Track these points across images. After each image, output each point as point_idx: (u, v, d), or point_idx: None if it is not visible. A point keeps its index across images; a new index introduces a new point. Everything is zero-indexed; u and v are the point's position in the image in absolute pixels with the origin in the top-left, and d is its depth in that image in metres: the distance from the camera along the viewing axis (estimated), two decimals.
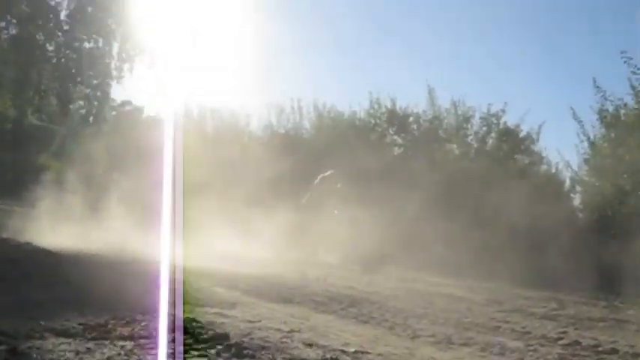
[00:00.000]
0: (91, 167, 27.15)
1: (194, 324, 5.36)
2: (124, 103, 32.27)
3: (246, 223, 18.69)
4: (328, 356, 4.68)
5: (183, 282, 8.69)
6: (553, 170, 21.95)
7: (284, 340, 5.35)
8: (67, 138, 28.01)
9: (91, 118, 21.10)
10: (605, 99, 17.98)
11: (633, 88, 17.02)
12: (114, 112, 29.87)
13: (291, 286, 9.89)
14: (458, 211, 19.20)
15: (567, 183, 21.44)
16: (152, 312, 6.03)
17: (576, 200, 21.62)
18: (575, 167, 20.28)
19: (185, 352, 4.49)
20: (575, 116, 18.79)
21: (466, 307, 9.22)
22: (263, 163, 21.80)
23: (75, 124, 24.24)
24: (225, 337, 4.90)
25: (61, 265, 9.88)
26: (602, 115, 18.40)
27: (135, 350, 4.40)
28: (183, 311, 6.16)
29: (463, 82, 37.06)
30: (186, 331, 5.12)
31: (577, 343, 6.44)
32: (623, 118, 17.76)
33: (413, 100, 24.02)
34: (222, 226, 17.68)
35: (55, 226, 16.38)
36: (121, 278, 8.77)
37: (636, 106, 17.31)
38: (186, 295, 7.63)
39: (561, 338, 6.64)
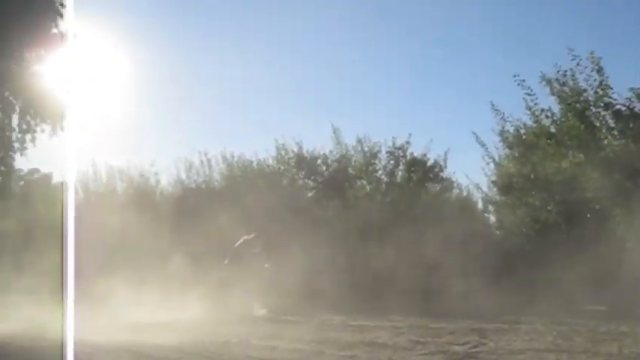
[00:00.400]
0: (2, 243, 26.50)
1: None
2: (31, 172, 31.59)
3: (166, 285, 18.38)
4: None
5: None
6: (464, 194, 22.23)
7: None
8: None
9: None
10: (505, 120, 18.46)
11: (529, 108, 17.48)
12: (21, 182, 29.23)
13: (214, 357, 9.71)
14: (376, 247, 19.30)
15: (480, 204, 21.73)
16: None
17: (491, 219, 21.90)
18: (485, 189, 20.66)
19: None
20: (478, 140, 19.20)
21: (389, 353, 9.19)
22: (176, 220, 21.54)
23: None
24: None
25: None
26: (503, 136, 18.86)
27: None
28: None
29: (366, 119, 37.35)
30: None
31: None
32: (523, 137, 18.15)
33: (319, 142, 24.16)
34: (139, 292, 17.33)
35: None
36: None
37: (534, 125, 17.73)
38: None
39: None
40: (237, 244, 18.85)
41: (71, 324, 10.44)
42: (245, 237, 18.92)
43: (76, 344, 11.02)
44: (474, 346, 9.31)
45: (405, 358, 8.74)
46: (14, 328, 14.02)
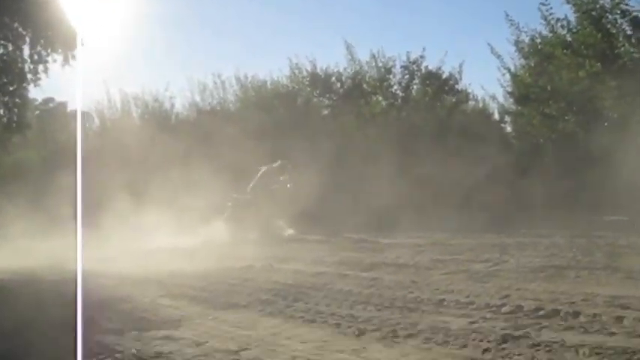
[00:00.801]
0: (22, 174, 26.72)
1: None
2: (46, 101, 31.66)
3: (188, 209, 18.51)
4: None
5: (129, 299, 8.67)
6: (480, 105, 22.12)
7: None
8: None
9: (14, 125, 20.48)
10: (520, 30, 18.25)
11: (545, 17, 17.25)
12: (37, 112, 29.31)
13: (237, 283, 9.85)
14: (393, 163, 19.26)
15: (496, 115, 21.66)
16: (97, 352, 5.97)
17: (508, 129, 21.84)
18: (501, 99, 20.57)
19: None
20: (493, 51, 19.04)
21: (411, 275, 9.29)
22: (192, 143, 21.54)
23: None
24: None
25: None
26: (519, 46, 18.68)
27: None
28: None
29: (380, 34, 37.02)
30: None
31: (519, 308, 6.51)
32: (539, 47, 17.97)
33: (333, 60, 24.11)
34: (162, 217, 17.47)
35: None
36: (57, 301, 8.66)
37: (550, 35, 17.53)
38: (132, 315, 7.60)
39: (504, 305, 6.71)
40: (261, 172, 18.89)
41: (80, 254, 10.56)
42: (268, 165, 18.92)
43: (98, 276, 11.22)
44: (495, 264, 9.39)
45: (427, 278, 8.81)
46: (33, 261, 14.20)
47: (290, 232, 17.75)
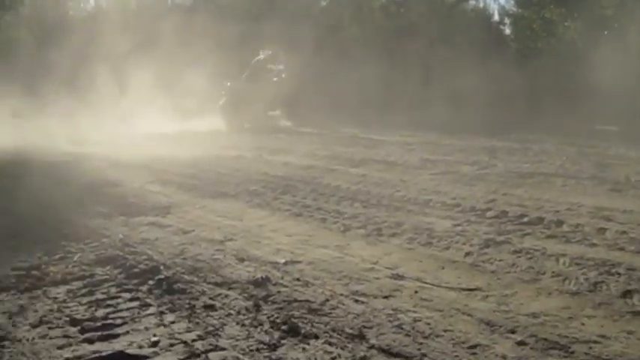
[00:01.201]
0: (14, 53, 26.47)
1: (127, 255, 5.37)
2: None
3: (182, 97, 18.44)
4: (259, 275, 4.73)
5: (119, 183, 8.72)
6: (481, 5, 21.86)
7: (216, 255, 5.40)
8: None
9: (6, 2, 20.26)
10: None
11: None
12: None
13: (226, 173, 9.90)
14: (390, 60, 19.17)
15: (496, 16, 21.43)
16: (84, 236, 6.03)
17: (507, 32, 21.64)
18: (502, 1, 20.34)
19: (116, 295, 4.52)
20: None
21: (400, 173, 9.35)
22: (188, 31, 21.28)
23: None
24: (156, 270, 4.92)
25: None
26: None
27: (67, 301, 4.40)
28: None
29: None
30: (118, 264, 5.14)
31: (504, 213, 6.58)
32: None
33: None
34: (157, 102, 17.41)
35: None
36: (46, 183, 8.72)
37: None
38: (121, 200, 7.66)
39: (489, 209, 6.77)
40: (254, 60, 18.74)
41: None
42: (262, 54, 18.76)
43: (89, 159, 11.26)
44: (483, 167, 9.41)
45: (415, 177, 8.85)
46: (24, 141, 14.22)
47: (284, 122, 17.73)
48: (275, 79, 17.68)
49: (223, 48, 19.66)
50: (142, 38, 22.78)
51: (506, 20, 21.20)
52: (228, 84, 18.28)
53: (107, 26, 23.67)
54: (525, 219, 6.39)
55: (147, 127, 15.60)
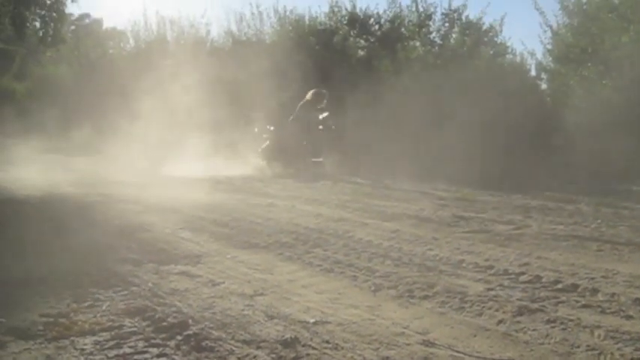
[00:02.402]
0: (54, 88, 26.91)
1: (156, 306, 5.35)
2: (82, 17, 31.73)
3: (221, 137, 18.52)
4: (288, 335, 4.69)
5: (150, 228, 8.74)
6: (518, 59, 21.87)
7: (245, 311, 5.38)
8: (27, 60, 27.63)
9: (49, 39, 20.64)
10: None
11: None
12: (73, 27, 29.40)
13: (259, 221, 9.90)
14: (427, 110, 19.17)
15: (533, 71, 21.40)
16: (114, 283, 6.03)
17: (543, 87, 21.58)
18: (539, 57, 20.33)
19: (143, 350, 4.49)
20: (536, 6, 18.74)
21: (432, 231, 9.27)
22: (227, 71, 21.48)
23: (33, 46, 23.78)
24: (184, 325, 4.90)
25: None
26: (563, 4, 18.35)
27: (94, 353, 4.39)
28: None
29: None
30: (147, 315, 5.12)
31: (538, 278, 6.49)
32: (584, 7, 17.67)
33: (373, 1, 23.96)
34: (195, 144, 17.52)
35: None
36: (78, 225, 8.77)
37: None
38: (151, 246, 7.66)
39: (523, 273, 6.68)
40: (300, 103, 18.80)
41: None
42: (308, 95, 18.81)
43: (124, 201, 11.32)
44: (517, 228, 9.31)
45: (448, 235, 8.77)
46: (59, 179, 14.34)
47: (327, 170, 17.72)
48: (320, 127, 17.60)
49: (261, 90, 19.75)
50: (181, 79, 23.03)
51: (543, 75, 21.06)
52: (272, 128, 18.32)
53: (145, 65, 23.97)
54: (559, 285, 6.29)
55: (181, 169, 15.65)
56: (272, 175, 16.80)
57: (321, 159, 18.37)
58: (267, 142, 18.73)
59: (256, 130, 19.35)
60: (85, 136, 21.49)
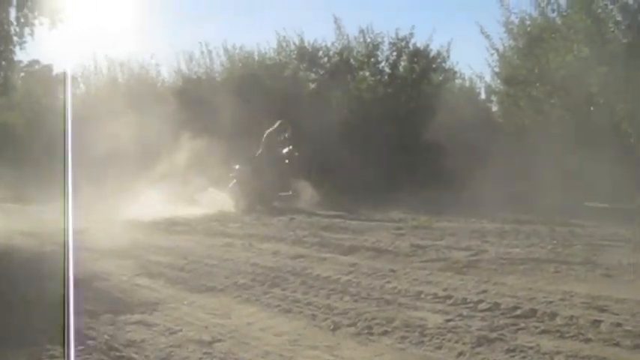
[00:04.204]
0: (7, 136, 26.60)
1: None
2: (31, 63, 31.48)
3: (180, 179, 18.34)
4: None
5: (107, 276, 8.60)
6: (467, 84, 22.09)
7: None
8: None
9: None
10: (510, 12, 18.23)
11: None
12: (22, 74, 29.14)
13: (215, 264, 9.80)
14: (379, 139, 19.28)
15: (483, 94, 21.61)
16: (66, 336, 5.90)
17: (493, 108, 21.78)
18: (488, 80, 20.55)
19: None
20: (482, 31, 18.98)
21: (390, 262, 9.27)
22: (179, 111, 21.35)
23: None
24: None
25: None
26: (508, 27, 18.60)
27: None
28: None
29: (368, 10, 36.89)
30: None
31: (497, 305, 6.49)
32: (528, 29, 17.95)
33: (321, 34, 24.16)
34: (152, 187, 17.32)
35: None
36: (32, 278, 8.62)
37: (540, 17, 17.53)
38: (108, 295, 7.54)
39: (481, 301, 6.68)
40: (266, 133, 18.73)
41: (70, 227, 10.51)
42: (270, 128, 18.77)
43: (79, 249, 11.11)
44: (475, 254, 9.33)
45: (405, 266, 8.77)
46: (14, 228, 14.12)
47: (294, 203, 17.66)
48: (287, 160, 17.59)
49: (218, 130, 19.65)
50: (135, 120, 22.87)
51: (493, 98, 21.28)
52: (237, 167, 18.24)
53: (97, 110, 23.79)
54: (518, 311, 6.29)
55: (138, 212, 15.46)
56: (242, 212, 16.66)
57: (289, 192, 18.32)
58: (234, 180, 18.63)
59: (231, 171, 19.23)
60: (40, 183, 21.19)
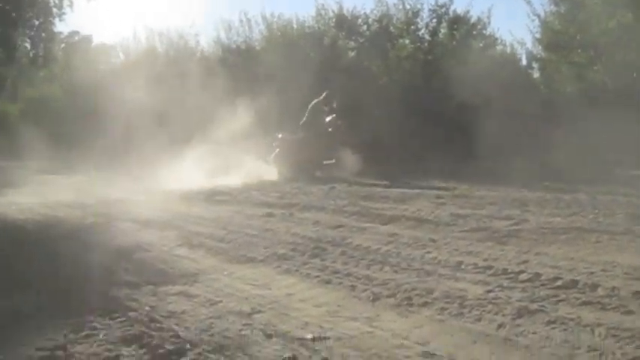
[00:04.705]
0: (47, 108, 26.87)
1: (153, 332, 5.29)
2: (71, 34, 31.69)
3: (223, 149, 18.36)
4: (286, 355, 4.64)
5: (149, 247, 8.68)
6: (508, 50, 21.81)
7: (243, 331, 5.33)
8: (19, 81, 27.56)
9: (40, 60, 20.61)
10: None
11: None
12: (63, 45, 29.34)
13: (255, 233, 9.83)
14: (419, 107, 19.16)
15: (524, 61, 21.34)
16: (112, 310, 5.96)
17: (535, 75, 21.51)
18: (529, 46, 20.29)
19: None
20: None
21: (430, 232, 9.23)
22: (219, 80, 21.35)
23: (25, 68, 23.73)
24: (182, 351, 4.85)
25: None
26: None
27: None
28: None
29: None
30: (144, 343, 5.06)
31: (537, 276, 6.44)
32: None
33: (360, 1, 23.91)
34: (195, 158, 17.37)
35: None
36: (75, 249, 8.70)
37: None
38: (149, 266, 7.61)
39: (522, 272, 6.63)
40: (311, 104, 18.71)
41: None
42: (323, 95, 18.72)
43: (121, 219, 11.24)
44: (516, 223, 9.25)
45: (446, 236, 8.73)
46: (54, 200, 14.27)
47: (338, 172, 17.63)
48: (330, 129, 17.55)
49: (259, 99, 19.63)
50: (176, 89, 22.98)
51: (534, 64, 20.99)
52: (280, 135, 18.26)
53: (137, 79, 23.89)
54: (559, 282, 6.24)
55: (179, 182, 15.54)
56: (271, 183, 16.66)
57: (333, 160, 18.31)
58: (277, 149, 18.66)
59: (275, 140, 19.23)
60: (80, 155, 21.39)
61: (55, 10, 18.55)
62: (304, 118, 18.68)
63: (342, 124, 18.35)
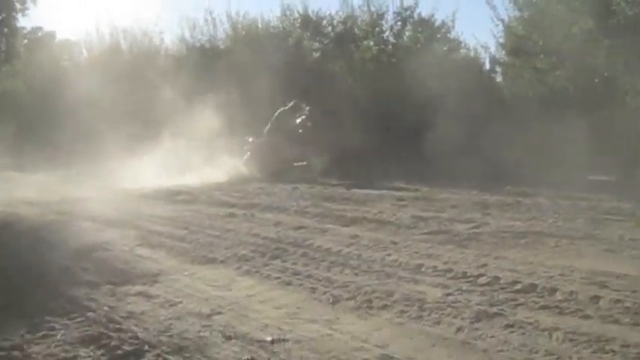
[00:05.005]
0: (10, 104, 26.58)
1: (112, 333, 5.25)
2: (35, 30, 31.37)
3: (182, 149, 18.29)
4: (245, 357, 4.64)
5: (108, 247, 8.61)
6: (472, 54, 21.92)
7: (202, 332, 5.31)
8: None
9: (2, 55, 20.38)
10: None
11: None
12: (25, 41, 29.03)
13: (217, 233, 9.80)
14: (383, 108, 19.19)
15: (487, 65, 21.45)
16: (70, 310, 5.91)
17: (498, 79, 21.64)
18: (492, 51, 20.41)
19: None
20: (488, 1, 18.80)
21: (391, 234, 9.26)
22: (183, 78, 21.26)
23: None
24: (140, 353, 4.82)
25: None
26: None
27: None
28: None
29: None
30: (102, 344, 5.02)
31: (496, 280, 6.49)
32: (534, 0, 17.78)
33: (325, 3, 23.98)
34: (159, 156, 17.27)
35: None
36: (34, 248, 8.62)
37: None
38: (109, 266, 7.55)
39: (481, 275, 6.67)
40: (278, 112, 18.79)
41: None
42: (290, 104, 18.79)
43: (83, 218, 11.15)
44: (476, 226, 9.32)
45: (407, 238, 8.76)
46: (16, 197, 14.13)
47: (308, 174, 17.62)
48: (300, 130, 17.58)
49: (222, 97, 19.57)
50: (136, 88, 22.84)
51: (497, 69, 21.15)
52: (250, 139, 18.29)
53: (100, 76, 23.72)
54: (518, 286, 6.29)
55: (141, 182, 15.46)
56: (230, 183, 16.61)
57: (304, 162, 18.33)
58: (249, 153, 18.69)
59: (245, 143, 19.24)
60: (43, 152, 21.20)
61: (17, 5, 18.36)
62: (268, 125, 18.71)
63: (311, 126, 18.36)
